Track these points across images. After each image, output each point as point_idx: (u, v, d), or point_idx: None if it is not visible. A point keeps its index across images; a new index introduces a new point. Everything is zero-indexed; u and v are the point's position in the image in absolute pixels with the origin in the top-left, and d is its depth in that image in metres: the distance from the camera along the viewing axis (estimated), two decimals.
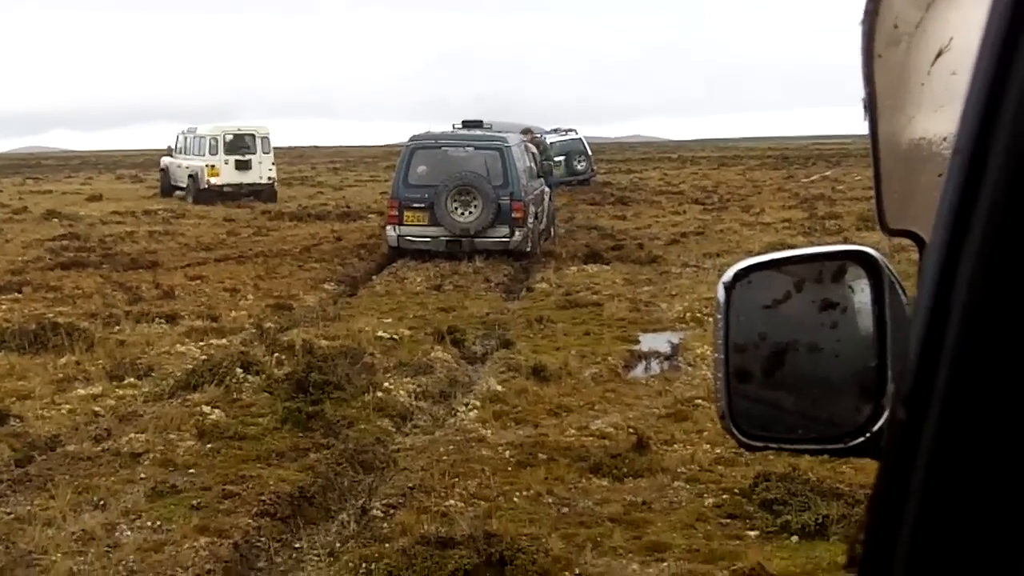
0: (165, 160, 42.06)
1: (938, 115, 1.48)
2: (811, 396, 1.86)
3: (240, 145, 38.39)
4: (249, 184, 37.96)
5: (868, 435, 1.72)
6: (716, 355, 1.84)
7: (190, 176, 38.36)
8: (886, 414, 1.67)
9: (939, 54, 1.41)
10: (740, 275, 1.83)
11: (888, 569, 0.83)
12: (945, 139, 1.46)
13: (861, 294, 1.78)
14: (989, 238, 0.78)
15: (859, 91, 1.68)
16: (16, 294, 17.14)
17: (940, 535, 0.80)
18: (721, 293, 1.81)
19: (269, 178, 38.90)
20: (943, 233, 0.82)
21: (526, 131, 28.03)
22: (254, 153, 38.53)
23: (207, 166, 37.59)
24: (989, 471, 0.77)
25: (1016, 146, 0.77)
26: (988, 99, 0.80)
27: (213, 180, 37.46)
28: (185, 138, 39.75)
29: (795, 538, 6.94)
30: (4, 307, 15.91)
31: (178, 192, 39.97)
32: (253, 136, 38.82)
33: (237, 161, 38.01)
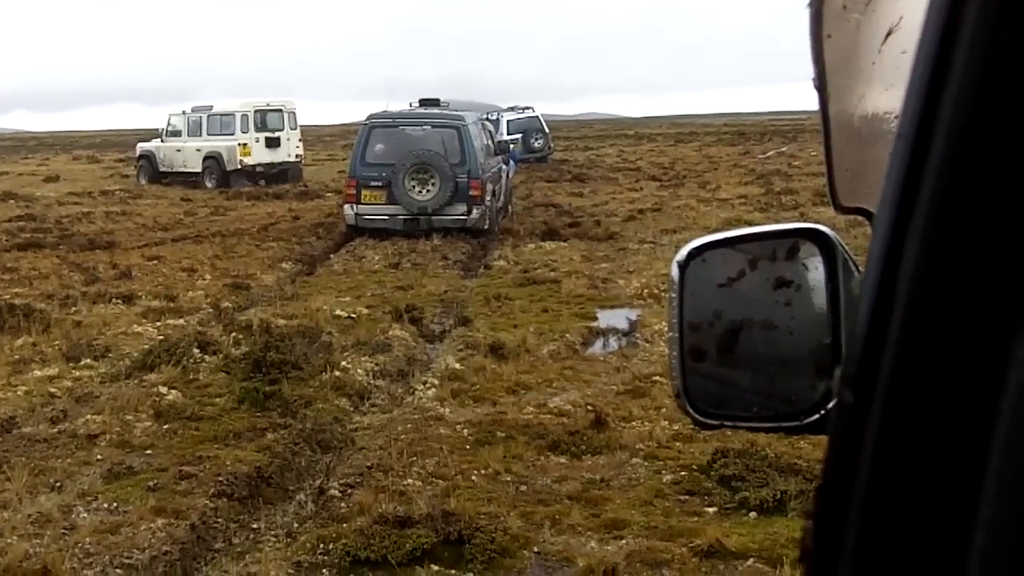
0: (147, 145, 38.87)
1: (888, 93, 1.48)
2: (766, 374, 1.86)
3: (269, 121, 36.22)
4: (279, 163, 36.10)
5: (823, 412, 1.72)
6: (670, 334, 1.84)
7: (209, 158, 35.84)
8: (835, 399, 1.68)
9: (889, 33, 1.41)
10: (694, 253, 1.82)
11: (835, 559, 0.83)
12: (896, 117, 1.46)
13: (815, 271, 1.78)
14: (932, 223, 0.78)
15: (812, 69, 1.68)
16: None
17: (887, 523, 0.79)
18: (675, 271, 1.81)
19: (297, 156, 37.15)
20: (887, 220, 0.82)
21: None
22: (282, 129, 36.39)
23: (239, 145, 35.30)
24: (935, 456, 0.77)
25: (957, 130, 0.77)
26: (929, 85, 0.80)
27: (245, 160, 35.49)
28: (188, 118, 36.79)
29: (753, 514, 6.97)
30: None
31: (163, 178, 37.10)
32: (281, 111, 36.74)
33: (267, 138, 35.95)
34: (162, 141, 37.75)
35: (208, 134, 36.14)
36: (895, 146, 0.83)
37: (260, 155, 35.73)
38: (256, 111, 35.98)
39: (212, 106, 36.88)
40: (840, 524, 0.82)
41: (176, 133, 37.09)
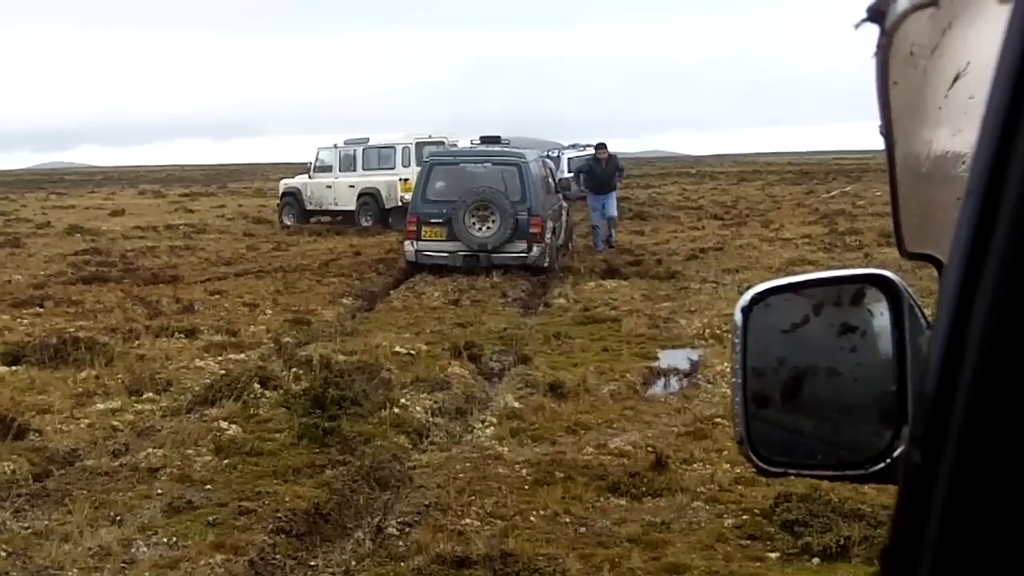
0: (292, 182, 35.67)
1: (956, 139, 1.45)
2: (830, 421, 1.83)
3: (427, 155, 31.39)
4: None
5: (888, 461, 1.69)
6: (734, 380, 1.81)
7: (365, 195, 32.75)
8: (901, 447, 1.65)
9: (956, 78, 1.39)
10: (758, 298, 1.80)
11: None
12: (963, 162, 1.44)
13: (880, 318, 1.75)
14: (1003, 283, 0.75)
15: (877, 108, 1.65)
16: (38, 308, 17.25)
17: None
18: (739, 317, 1.79)
19: None
20: (956, 279, 0.79)
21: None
22: None
23: (400, 180, 31.72)
24: (1006, 524, 0.74)
25: None
26: (1000, 140, 0.77)
27: (407, 196, 30.08)
28: (340, 152, 33.76)
29: (816, 560, 6.88)
30: (26, 321, 16.00)
31: (311, 217, 34.44)
32: (443, 144, 31.80)
33: None
34: (310, 177, 34.75)
35: (364, 169, 33.16)
36: (964, 203, 0.80)
37: None
38: (417, 143, 32.46)
39: (368, 139, 33.71)
40: None
41: (326, 168, 34.11)
